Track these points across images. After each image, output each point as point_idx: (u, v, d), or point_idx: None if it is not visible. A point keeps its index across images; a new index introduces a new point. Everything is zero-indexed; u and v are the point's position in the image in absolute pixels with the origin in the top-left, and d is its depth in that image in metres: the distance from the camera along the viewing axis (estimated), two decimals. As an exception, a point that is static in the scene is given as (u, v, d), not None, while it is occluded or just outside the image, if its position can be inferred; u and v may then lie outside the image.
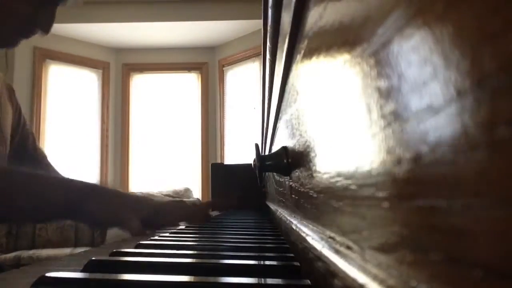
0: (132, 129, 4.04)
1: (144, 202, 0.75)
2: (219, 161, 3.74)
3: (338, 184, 0.21)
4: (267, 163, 0.51)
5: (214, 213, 1.22)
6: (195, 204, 0.99)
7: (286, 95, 0.52)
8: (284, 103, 0.56)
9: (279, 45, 0.54)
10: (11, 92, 0.91)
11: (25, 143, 0.91)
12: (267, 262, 0.36)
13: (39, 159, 0.94)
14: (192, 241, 0.56)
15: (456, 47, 0.09)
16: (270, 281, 0.29)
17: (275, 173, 0.73)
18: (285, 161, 0.46)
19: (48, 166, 0.95)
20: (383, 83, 0.14)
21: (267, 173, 1.06)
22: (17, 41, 0.76)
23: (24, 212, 0.65)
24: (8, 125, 0.84)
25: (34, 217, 0.71)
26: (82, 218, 0.70)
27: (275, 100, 0.64)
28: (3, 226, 2.96)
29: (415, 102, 0.11)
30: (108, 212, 0.68)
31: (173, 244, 0.50)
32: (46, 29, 0.75)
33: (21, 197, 0.62)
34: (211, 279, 0.28)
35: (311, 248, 0.26)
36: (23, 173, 0.68)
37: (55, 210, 0.66)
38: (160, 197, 2.97)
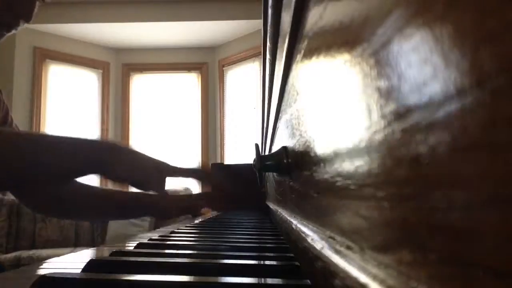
0: (132, 129, 4.04)
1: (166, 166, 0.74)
2: (219, 161, 3.74)
3: (338, 184, 0.21)
4: (267, 163, 0.51)
5: (214, 213, 1.22)
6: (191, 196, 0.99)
7: (286, 95, 0.52)
8: (284, 103, 0.56)
9: (279, 45, 0.54)
10: None
11: None
12: (267, 262, 0.36)
13: None
14: (192, 241, 0.56)
15: (456, 47, 0.09)
16: (270, 281, 0.29)
17: (275, 173, 0.73)
18: (285, 161, 0.46)
19: None
20: (383, 83, 0.14)
21: (267, 173, 1.06)
22: (1, 35, 0.74)
23: (39, 170, 0.61)
24: None
25: (56, 175, 0.67)
26: (107, 173, 0.67)
27: (275, 100, 0.64)
28: (4, 225, 2.96)
29: (415, 102, 0.11)
30: (132, 167, 0.66)
31: (173, 244, 0.50)
32: (27, 17, 0.74)
33: (33, 156, 0.60)
34: (211, 279, 0.28)
35: (311, 248, 0.26)
36: (28, 134, 0.66)
37: (77, 166, 0.64)
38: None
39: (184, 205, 0.84)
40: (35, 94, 3.59)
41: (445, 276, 0.10)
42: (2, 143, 0.58)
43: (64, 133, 0.66)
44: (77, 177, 0.68)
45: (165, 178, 0.73)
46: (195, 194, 0.95)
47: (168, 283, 0.27)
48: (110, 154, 0.64)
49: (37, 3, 0.74)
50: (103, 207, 0.87)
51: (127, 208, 0.89)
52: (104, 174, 0.66)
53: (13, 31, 0.76)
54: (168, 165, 0.76)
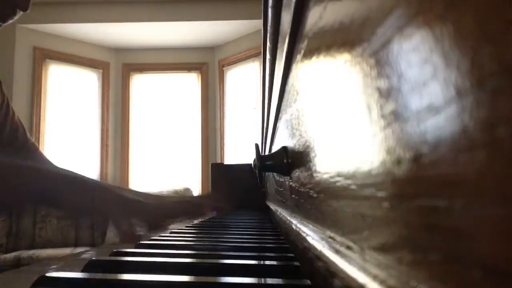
0: (132, 129, 4.04)
1: (135, 202, 0.71)
2: (219, 161, 3.74)
3: (338, 184, 0.21)
4: (267, 163, 0.51)
5: (213, 213, 1.22)
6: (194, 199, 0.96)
7: (286, 95, 0.52)
8: (284, 103, 0.56)
9: (279, 45, 0.54)
10: None
11: (15, 134, 0.90)
12: (267, 262, 0.36)
13: (31, 150, 0.93)
14: (192, 241, 0.56)
15: (456, 47, 0.09)
16: (270, 281, 0.29)
17: (275, 173, 0.73)
18: (285, 161, 0.46)
19: (41, 156, 0.94)
20: (383, 83, 0.14)
21: (267, 173, 1.06)
22: None
23: None
24: None
25: (8, 205, 0.67)
26: (58, 207, 0.67)
27: (275, 100, 0.64)
28: (4, 225, 2.95)
29: (415, 102, 0.11)
30: (87, 203, 0.65)
31: (173, 244, 0.50)
32: (25, 6, 0.73)
33: None
34: (211, 279, 0.28)
35: (311, 248, 0.26)
36: None
37: (28, 197, 0.63)
38: (168, 197, 2.97)
39: (181, 211, 0.83)
40: (35, 94, 3.59)
41: (445, 276, 0.10)
42: None
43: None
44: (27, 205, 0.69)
45: (132, 215, 0.70)
46: (195, 198, 0.93)
47: (168, 283, 0.27)
48: (65, 185, 0.63)
49: None
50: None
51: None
52: (58, 208, 0.65)
53: (9, 21, 0.75)
54: (138, 203, 0.72)
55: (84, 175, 0.68)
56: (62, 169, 0.68)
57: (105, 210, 0.65)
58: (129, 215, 0.67)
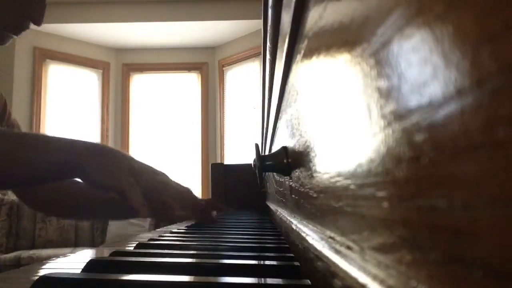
0: (132, 129, 4.04)
1: (150, 173, 0.69)
2: (219, 161, 3.74)
3: (338, 184, 0.21)
4: (267, 163, 0.51)
5: (213, 214, 1.22)
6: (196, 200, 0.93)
7: (286, 95, 0.52)
8: (284, 103, 0.56)
9: (279, 45, 0.54)
10: None
11: None
12: (267, 262, 0.36)
13: None
14: (192, 241, 0.56)
15: (456, 47, 0.09)
16: (270, 281, 0.29)
17: (275, 173, 0.73)
18: (285, 161, 0.46)
19: None
20: (383, 83, 0.14)
21: (267, 173, 1.06)
22: (10, 37, 0.74)
23: (14, 173, 0.58)
24: None
25: (29, 179, 0.60)
26: (81, 177, 0.62)
27: (275, 100, 0.64)
28: (4, 225, 2.95)
29: (415, 102, 0.11)
30: (107, 172, 0.61)
31: (173, 244, 0.50)
32: (39, 20, 0.73)
33: (10, 157, 0.56)
34: (211, 279, 0.28)
35: (311, 248, 0.26)
36: (7, 133, 0.62)
37: (51, 169, 0.60)
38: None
39: (187, 211, 0.81)
40: (35, 94, 3.59)
41: (445, 276, 0.10)
42: None
43: (53, 133, 0.63)
44: (54, 178, 0.63)
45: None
46: (197, 201, 0.90)
47: (168, 283, 0.27)
48: (86, 155, 0.60)
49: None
50: (98, 206, 0.85)
51: (123, 208, 0.87)
52: (80, 177, 0.61)
53: (21, 34, 0.75)
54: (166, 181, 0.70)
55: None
56: (74, 140, 0.65)
57: (123, 180, 0.62)
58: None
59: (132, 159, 0.68)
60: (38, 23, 0.72)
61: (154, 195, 0.67)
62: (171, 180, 0.77)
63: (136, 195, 0.60)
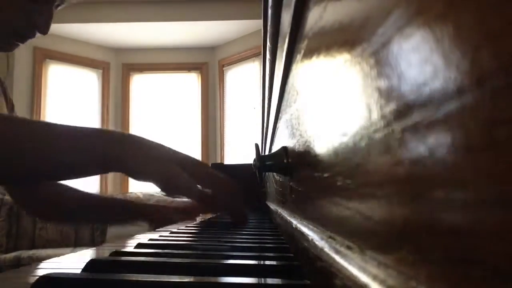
0: (132, 129, 4.03)
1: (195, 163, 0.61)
2: (219, 161, 3.74)
3: (338, 184, 0.21)
4: (267, 163, 0.51)
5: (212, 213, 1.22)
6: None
7: (286, 95, 0.52)
8: (284, 103, 0.56)
9: (279, 45, 0.54)
10: (4, 86, 0.90)
11: None
12: (267, 262, 0.36)
13: None
14: (192, 241, 0.56)
15: (456, 47, 0.09)
16: (270, 281, 0.29)
17: (275, 173, 0.73)
18: (285, 161, 0.46)
19: None
20: (383, 83, 0.14)
21: (267, 173, 1.06)
22: (16, 45, 0.74)
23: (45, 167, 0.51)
24: None
25: (53, 169, 0.52)
26: (121, 170, 0.55)
27: (275, 100, 0.64)
28: (4, 225, 2.95)
29: (415, 102, 0.11)
30: (151, 162, 0.55)
31: (173, 244, 0.50)
32: (44, 30, 0.73)
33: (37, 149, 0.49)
34: (211, 279, 0.28)
35: (311, 248, 0.26)
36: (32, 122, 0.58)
37: (88, 163, 0.53)
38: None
39: (179, 214, 0.80)
40: (35, 94, 3.59)
41: (445, 276, 0.10)
42: None
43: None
44: (81, 173, 0.55)
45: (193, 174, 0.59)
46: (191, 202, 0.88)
47: (168, 283, 0.27)
48: (120, 146, 0.54)
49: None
50: (94, 212, 0.85)
51: (119, 214, 0.86)
52: (119, 170, 0.54)
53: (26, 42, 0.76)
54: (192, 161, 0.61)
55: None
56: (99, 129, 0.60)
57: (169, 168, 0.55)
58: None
59: (170, 148, 0.62)
60: (44, 32, 0.73)
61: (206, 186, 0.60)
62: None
63: (187, 182, 0.55)
